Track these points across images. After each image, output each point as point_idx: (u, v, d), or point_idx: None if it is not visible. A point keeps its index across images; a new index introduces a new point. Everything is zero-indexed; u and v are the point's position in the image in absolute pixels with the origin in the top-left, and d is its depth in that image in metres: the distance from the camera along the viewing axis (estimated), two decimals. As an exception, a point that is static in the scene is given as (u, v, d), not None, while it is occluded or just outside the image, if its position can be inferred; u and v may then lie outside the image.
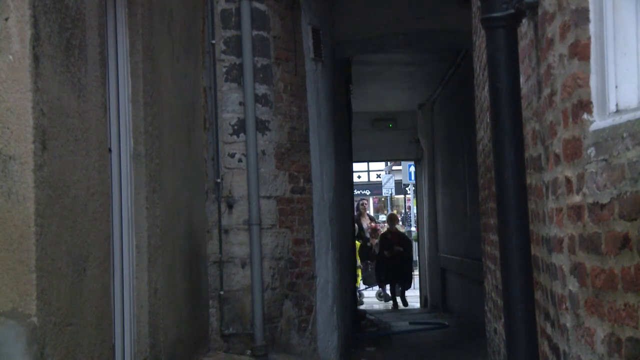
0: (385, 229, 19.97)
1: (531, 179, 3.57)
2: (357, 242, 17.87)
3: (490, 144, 4.02)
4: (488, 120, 4.87)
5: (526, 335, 3.16)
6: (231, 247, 7.13)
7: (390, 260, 18.15)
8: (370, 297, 19.54)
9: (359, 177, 34.52)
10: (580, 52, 2.64)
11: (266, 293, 7.12)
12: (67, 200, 4.00)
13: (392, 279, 18.52)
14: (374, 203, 38.00)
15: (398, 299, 18.52)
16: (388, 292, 19.16)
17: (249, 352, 6.97)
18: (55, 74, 3.90)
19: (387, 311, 17.50)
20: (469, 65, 7.36)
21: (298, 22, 7.73)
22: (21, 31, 3.66)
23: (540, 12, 3.20)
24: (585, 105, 2.62)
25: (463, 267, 13.57)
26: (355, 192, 21.44)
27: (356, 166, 24.48)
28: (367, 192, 37.13)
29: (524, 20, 3.38)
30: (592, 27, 2.61)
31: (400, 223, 25.53)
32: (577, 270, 2.73)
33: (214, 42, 7.09)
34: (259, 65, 7.22)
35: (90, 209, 4.29)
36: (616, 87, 2.53)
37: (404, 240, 18.99)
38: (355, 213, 18.20)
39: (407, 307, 18.25)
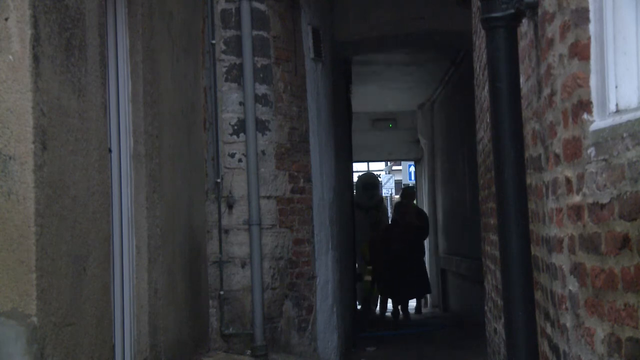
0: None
1: (531, 179, 3.57)
2: None
3: (490, 144, 4.02)
4: (488, 120, 4.87)
5: (526, 335, 3.15)
6: (231, 247, 7.12)
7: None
8: None
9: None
10: (580, 52, 2.64)
11: (266, 293, 7.12)
12: (67, 200, 4.00)
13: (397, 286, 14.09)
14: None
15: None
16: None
17: (249, 352, 6.97)
18: (55, 74, 3.90)
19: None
20: (469, 65, 7.35)
21: (298, 22, 7.72)
22: (21, 31, 3.66)
23: (540, 12, 3.20)
24: (585, 105, 2.62)
25: (463, 267, 13.57)
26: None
27: (356, 166, 24.42)
28: (367, 192, 37.00)
29: (524, 20, 3.38)
30: (592, 27, 2.61)
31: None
32: (577, 270, 2.73)
33: (214, 42, 7.09)
34: (259, 65, 7.22)
35: (90, 209, 4.29)
36: (616, 87, 2.53)
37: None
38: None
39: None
